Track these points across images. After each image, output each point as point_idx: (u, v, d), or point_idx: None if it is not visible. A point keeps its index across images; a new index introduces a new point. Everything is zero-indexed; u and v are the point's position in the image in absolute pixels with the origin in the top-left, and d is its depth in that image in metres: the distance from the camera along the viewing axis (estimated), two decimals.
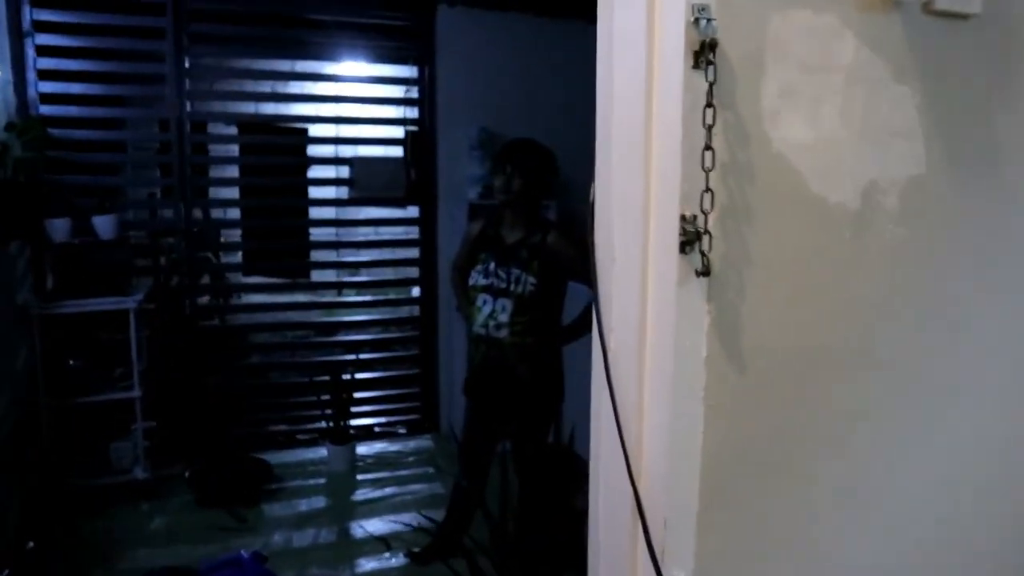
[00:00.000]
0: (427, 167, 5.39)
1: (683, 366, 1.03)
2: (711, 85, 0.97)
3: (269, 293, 7.01)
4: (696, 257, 1.00)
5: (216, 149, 7.29)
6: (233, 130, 7.39)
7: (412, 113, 5.46)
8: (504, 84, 5.36)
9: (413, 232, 5.61)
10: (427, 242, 5.52)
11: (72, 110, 4.70)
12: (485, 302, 3.29)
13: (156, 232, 5.34)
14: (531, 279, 3.20)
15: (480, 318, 3.31)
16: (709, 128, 0.97)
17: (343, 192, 5.63)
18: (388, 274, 6.65)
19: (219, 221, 6.84)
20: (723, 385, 1.05)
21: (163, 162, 5.07)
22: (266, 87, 7.13)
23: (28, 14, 4.50)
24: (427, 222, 5.49)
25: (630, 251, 1.09)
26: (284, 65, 5.97)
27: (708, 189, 0.98)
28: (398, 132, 5.48)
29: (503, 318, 3.24)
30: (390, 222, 6.01)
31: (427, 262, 5.53)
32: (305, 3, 5.24)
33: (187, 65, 4.86)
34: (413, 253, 5.63)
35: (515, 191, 3.22)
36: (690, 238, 1.00)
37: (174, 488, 4.56)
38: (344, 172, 5.46)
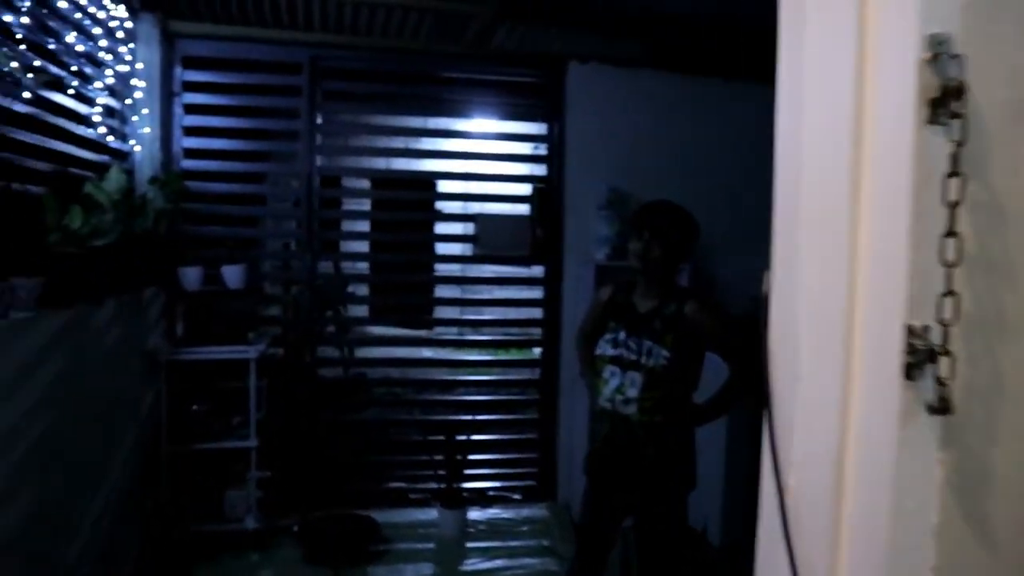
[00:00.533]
0: (554, 226, 5.21)
1: (903, 533, 0.73)
2: (957, 146, 0.68)
3: (391, 346, 6.97)
4: (928, 385, 0.71)
5: (346, 203, 7.42)
6: (363, 184, 7.52)
7: (540, 170, 5.32)
8: (635, 142, 5.15)
9: (537, 292, 5.41)
10: (551, 303, 5.30)
11: (211, 164, 4.84)
12: (612, 374, 3.01)
13: (283, 283, 5.40)
14: (664, 352, 2.90)
15: (606, 391, 3.03)
16: (953, 207, 0.69)
17: (469, 248, 5.52)
18: (510, 333, 6.46)
19: (346, 274, 6.91)
20: (963, 565, 0.74)
21: (293, 215, 5.14)
22: (396, 142, 7.23)
23: (178, 75, 4.71)
24: (552, 282, 5.28)
25: (825, 368, 0.80)
26: (414, 121, 5.99)
27: (950, 292, 0.69)
28: (525, 189, 5.34)
29: (632, 393, 2.95)
30: (514, 281, 5.83)
31: (551, 323, 5.31)
32: (436, 61, 5.24)
33: (319, 121, 4.93)
34: (536, 313, 5.42)
35: (652, 258, 2.95)
36: (920, 359, 0.71)
37: (283, 540, 4.50)
38: (470, 229, 5.37)
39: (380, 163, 7.40)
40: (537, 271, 5.38)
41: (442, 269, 7.86)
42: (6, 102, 2.98)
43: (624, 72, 5.13)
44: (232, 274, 4.51)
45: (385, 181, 7.29)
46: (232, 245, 4.62)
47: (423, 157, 7.16)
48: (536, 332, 5.50)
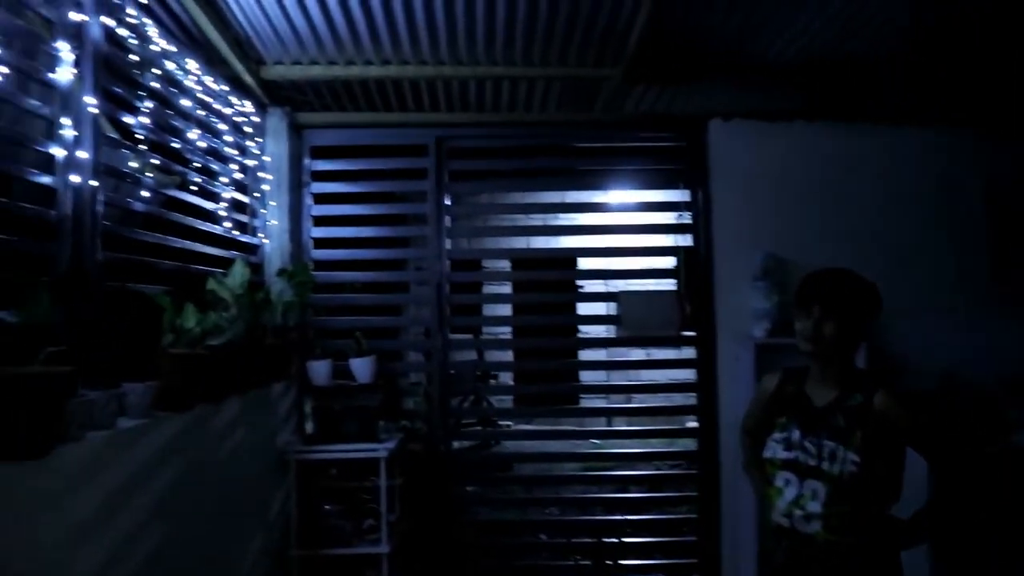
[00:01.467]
0: (704, 301, 4.69)
1: None
2: None
3: (535, 440, 6.57)
4: None
5: (482, 286, 7.21)
6: (499, 265, 7.31)
7: (685, 241, 4.84)
8: (793, 203, 4.57)
9: (690, 375, 4.86)
10: (706, 387, 4.73)
11: (340, 253, 4.74)
12: (788, 483, 2.44)
13: (415, 374, 5.17)
14: (852, 456, 2.32)
15: (781, 504, 2.46)
16: None
17: (614, 330, 5.08)
18: (662, 423, 5.89)
19: (483, 362, 6.63)
20: None
21: (425, 302, 4.92)
22: (530, 220, 7.01)
23: (307, 165, 4.69)
24: (706, 364, 4.72)
25: None
26: (548, 196, 5.72)
27: None
28: (670, 262, 4.87)
29: (814, 507, 2.36)
30: (663, 364, 5.30)
31: (706, 410, 4.72)
32: (567, 131, 4.97)
33: (448, 202, 4.74)
34: (690, 399, 4.86)
35: (825, 339, 2.40)
36: None
37: None
38: (614, 309, 4.94)
39: (515, 242, 7.18)
40: (689, 352, 4.85)
41: (586, 353, 7.47)
42: (128, 202, 2.93)
43: (773, 127, 4.62)
44: (361, 367, 4.31)
45: (521, 261, 7.04)
46: (362, 336, 4.44)
47: (559, 234, 6.87)
48: (691, 420, 4.92)
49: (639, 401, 6.89)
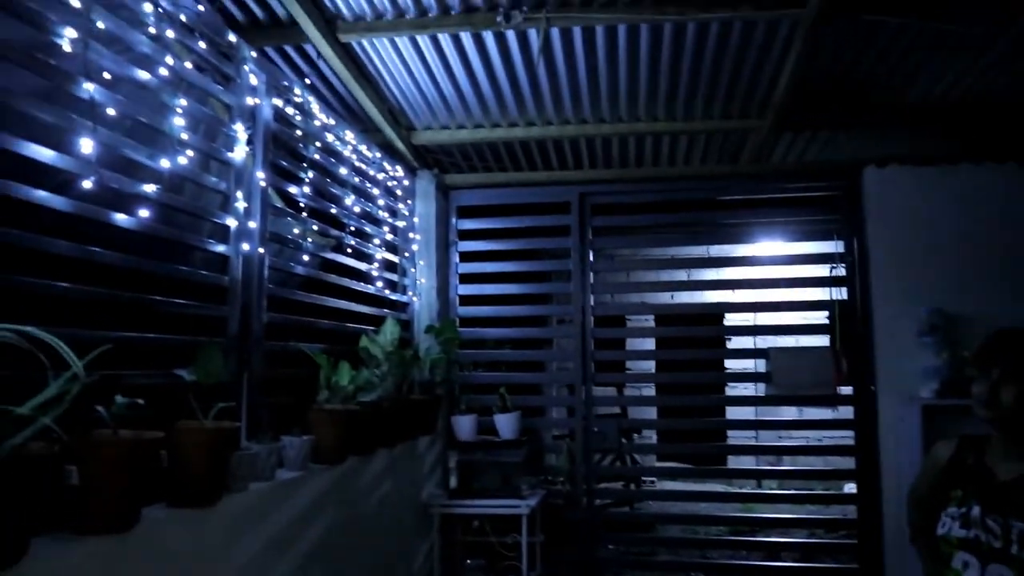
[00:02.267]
0: (861, 357, 4.41)
1: None
2: None
3: (678, 501, 6.35)
4: None
5: (627, 343, 7.13)
6: (644, 321, 7.21)
7: (840, 294, 4.59)
8: (959, 252, 4.22)
9: (847, 437, 4.56)
10: (865, 452, 4.41)
11: (485, 310, 4.85)
12: (968, 566, 2.21)
13: (558, 430, 5.15)
14: None
15: None
16: None
17: (764, 388, 4.86)
18: (816, 486, 5.55)
19: (628, 420, 6.52)
20: None
21: (568, 358, 4.93)
22: (675, 275, 6.90)
23: (454, 225, 4.86)
24: (864, 426, 4.41)
25: None
26: (694, 251, 5.62)
27: None
28: (824, 317, 4.63)
29: None
30: (817, 424, 5.01)
31: (867, 477, 4.39)
32: (712, 184, 4.88)
33: (591, 258, 4.76)
34: (847, 463, 4.55)
35: (1004, 405, 2.19)
36: None
37: None
38: (763, 366, 4.75)
39: (659, 298, 7.08)
40: (846, 412, 4.56)
41: (734, 411, 7.20)
42: (290, 266, 3.14)
43: (935, 171, 4.31)
44: (505, 423, 4.35)
45: (666, 317, 6.92)
46: (506, 392, 4.49)
47: (705, 288, 6.73)
48: (849, 485, 4.59)
49: (791, 463, 6.53)
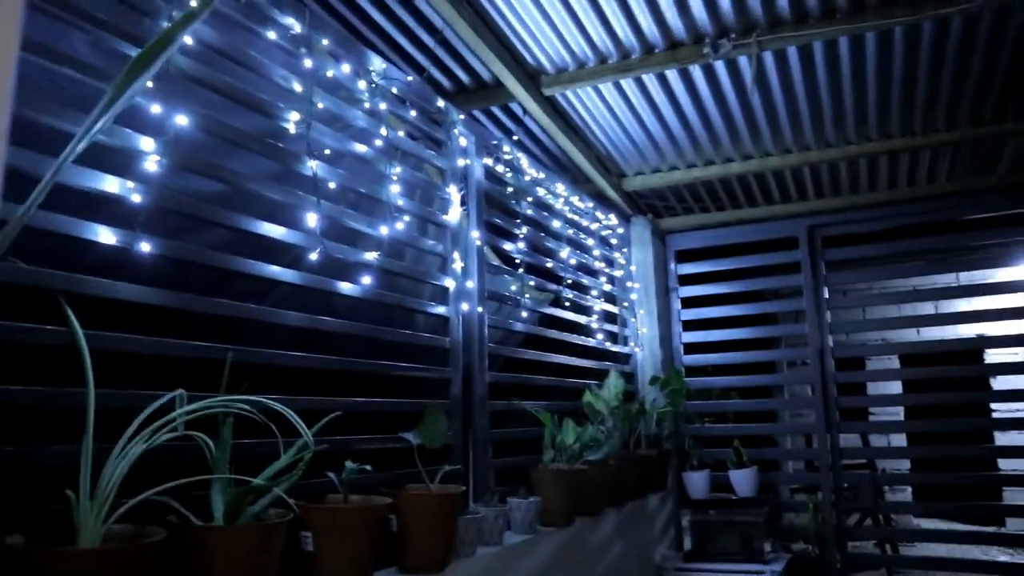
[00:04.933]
0: None
1: None
2: None
3: (948, 571, 5.53)
4: None
5: (872, 386, 6.41)
6: (889, 362, 6.47)
7: None
8: None
9: None
10: None
11: (712, 358, 4.57)
12: None
13: (802, 487, 4.69)
14: None
15: None
16: None
17: None
18: None
19: (880, 474, 5.81)
20: None
21: (807, 406, 4.50)
22: (915, 309, 6.14)
23: (672, 270, 4.67)
24: None
25: None
26: (942, 279, 4.97)
27: None
28: None
29: None
30: None
31: None
32: (961, 203, 4.29)
33: (826, 295, 4.33)
34: None
35: None
36: None
37: None
38: None
39: (904, 335, 6.33)
40: None
41: (1009, 464, 6.18)
42: (509, 323, 3.13)
43: None
44: (742, 479, 4.03)
45: (913, 357, 6.15)
46: (740, 445, 4.16)
47: (958, 323, 5.91)
48: None
49: None
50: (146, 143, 1.57)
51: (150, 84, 1.58)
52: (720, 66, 3.24)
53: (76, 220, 1.44)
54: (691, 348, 4.61)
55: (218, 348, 1.67)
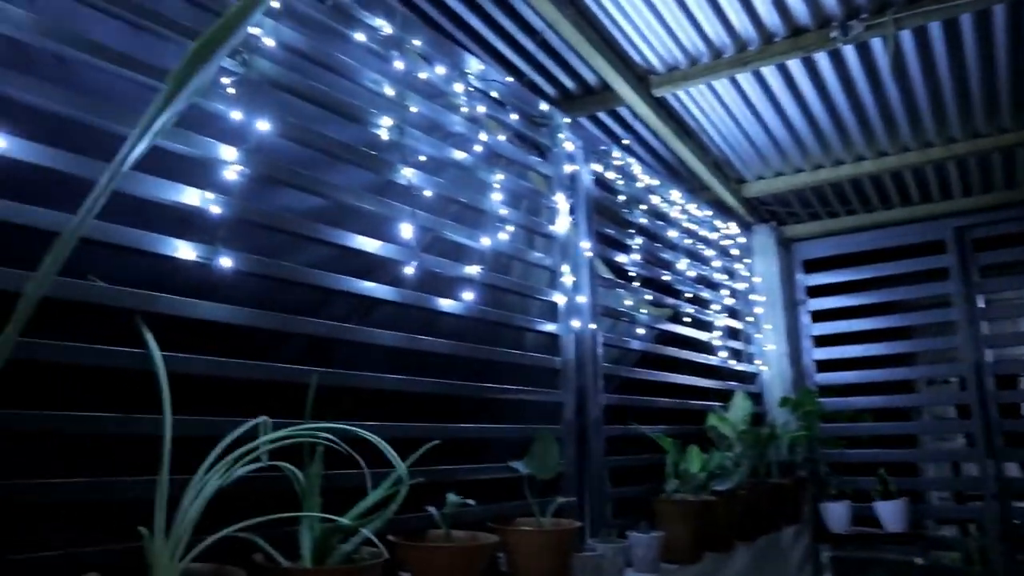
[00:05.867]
0: None
1: None
2: None
3: None
4: None
5: None
6: None
7: None
8: None
9: None
10: None
11: (847, 375, 4.15)
12: None
13: (959, 523, 4.19)
14: None
15: None
16: None
17: None
18: None
19: None
20: None
21: (961, 430, 4.02)
22: None
23: (799, 281, 4.30)
24: None
25: None
26: None
27: None
28: None
29: None
30: None
31: None
32: None
33: (981, 305, 3.86)
34: None
35: None
36: None
37: None
38: None
39: None
40: None
41: None
42: (625, 341, 2.91)
43: None
44: (889, 512, 3.61)
45: None
46: (886, 474, 3.74)
47: None
48: None
49: None
50: (227, 152, 1.47)
51: (231, 90, 1.49)
52: (849, 51, 2.93)
53: (155, 235, 1.35)
54: (825, 365, 4.21)
55: (305, 371, 1.53)
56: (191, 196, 1.40)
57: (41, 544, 1.21)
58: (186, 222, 1.42)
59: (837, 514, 3.71)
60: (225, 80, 1.49)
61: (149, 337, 1.26)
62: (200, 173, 1.44)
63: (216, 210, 1.42)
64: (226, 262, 1.43)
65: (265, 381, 1.51)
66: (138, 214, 1.35)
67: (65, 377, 1.29)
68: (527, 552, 1.84)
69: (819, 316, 4.26)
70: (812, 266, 4.32)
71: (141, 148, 1.04)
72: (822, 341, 4.23)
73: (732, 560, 2.94)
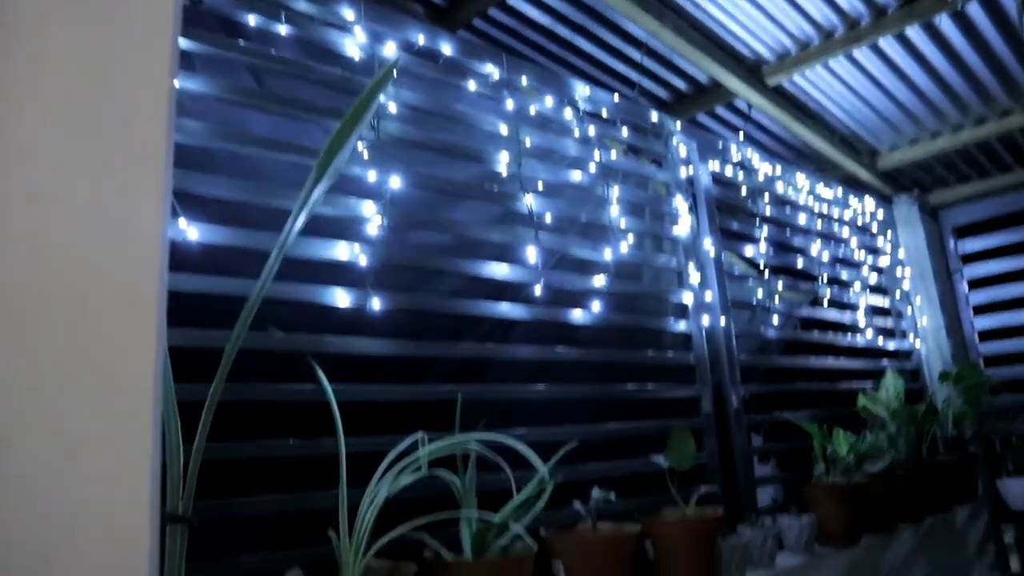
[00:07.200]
0: None
1: None
2: None
3: None
4: None
5: None
6: None
7: None
8: None
9: None
10: None
11: (1017, 343, 3.92)
12: None
13: None
14: None
15: None
16: None
17: None
18: None
19: None
20: None
21: None
22: None
23: (952, 249, 4.11)
24: None
25: None
26: None
27: None
28: None
29: None
30: None
31: None
32: None
33: None
34: None
35: None
36: None
37: None
38: None
39: None
40: None
41: None
42: (762, 331, 2.95)
43: None
44: None
45: None
46: None
47: None
48: None
49: None
50: (367, 208, 1.71)
51: (365, 156, 1.73)
52: (974, 7, 2.82)
53: (316, 287, 1.61)
54: (987, 335, 3.99)
55: (452, 390, 1.75)
56: (342, 251, 1.65)
57: (253, 548, 1.49)
58: (340, 269, 1.68)
59: (1018, 490, 3.53)
60: (359, 145, 1.73)
61: (320, 374, 1.52)
62: (347, 229, 1.69)
63: (363, 261, 1.67)
64: (375, 303, 1.66)
65: (419, 400, 1.74)
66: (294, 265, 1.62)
67: (255, 412, 1.57)
68: (671, 540, 1.96)
69: (976, 284, 4.05)
70: (964, 232, 4.11)
71: (301, 221, 1.28)
72: (982, 310, 4.02)
73: (897, 541, 2.90)
